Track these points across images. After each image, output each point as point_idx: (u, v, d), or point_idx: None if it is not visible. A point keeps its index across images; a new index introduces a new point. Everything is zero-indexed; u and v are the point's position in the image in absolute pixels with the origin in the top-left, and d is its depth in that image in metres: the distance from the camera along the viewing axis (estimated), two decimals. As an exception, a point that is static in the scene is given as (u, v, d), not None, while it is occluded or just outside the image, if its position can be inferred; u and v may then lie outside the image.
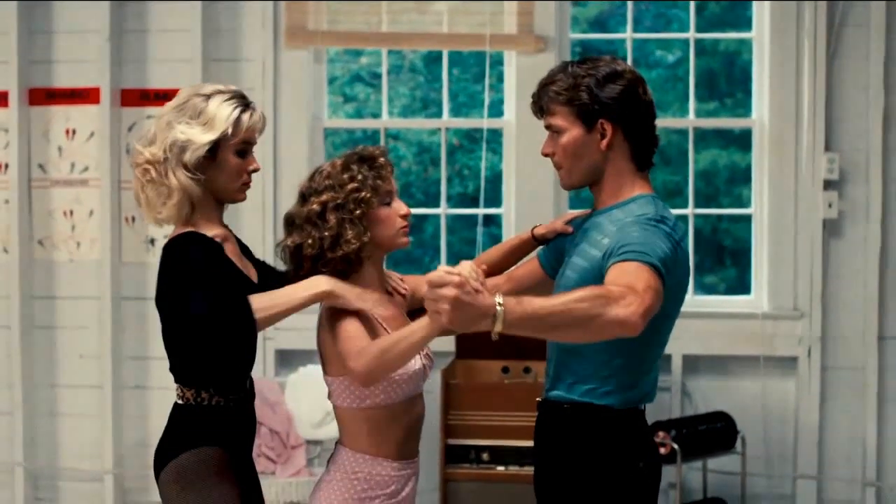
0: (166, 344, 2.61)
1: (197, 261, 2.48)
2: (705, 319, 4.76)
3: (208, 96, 2.59)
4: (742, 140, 5.95)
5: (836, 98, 4.69)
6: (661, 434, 4.24)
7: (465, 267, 2.13)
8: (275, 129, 4.84)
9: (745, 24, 5.00)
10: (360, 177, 2.51)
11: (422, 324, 2.25)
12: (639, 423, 2.51)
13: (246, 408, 2.70)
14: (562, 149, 2.51)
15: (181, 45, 4.82)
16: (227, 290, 2.49)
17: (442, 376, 4.27)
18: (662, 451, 4.21)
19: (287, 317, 2.53)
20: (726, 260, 7.27)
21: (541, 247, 2.82)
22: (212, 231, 2.60)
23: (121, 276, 4.88)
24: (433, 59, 6.66)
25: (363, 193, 2.50)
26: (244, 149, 2.63)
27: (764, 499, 4.78)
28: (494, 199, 5.04)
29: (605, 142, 2.48)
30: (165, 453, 2.59)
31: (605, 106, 2.45)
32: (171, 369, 2.64)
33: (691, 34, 4.99)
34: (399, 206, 2.57)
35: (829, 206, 4.67)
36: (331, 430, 4.44)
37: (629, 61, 4.77)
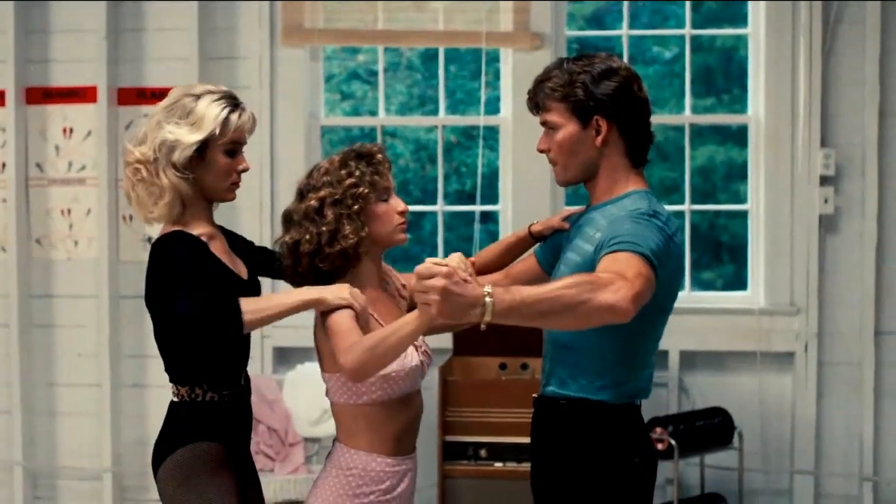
0: (158, 343, 2.64)
1: (182, 260, 2.50)
2: (702, 315, 4.77)
3: (198, 96, 2.60)
4: (739, 136, 5.96)
5: (831, 94, 4.70)
6: (658, 430, 4.25)
7: (454, 258, 2.14)
8: (271, 127, 4.84)
9: (742, 20, 5.01)
10: (357, 173, 2.52)
11: (411, 317, 2.25)
12: (634, 418, 2.52)
13: (242, 403, 2.71)
14: (557, 145, 2.52)
15: (178, 43, 4.82)
16: (213, 289, 2.50)
17: (439, 373, 4.27)
18: (660, 446, 4.22)
19: (275, 321, 2.54)
20: (723, 256, 7.27)
21: (538, 244, 2.83)
22: (199, 230, 2.61)
23: (118, 274, 4.88)
24: (430, 57, 6.66)
25: (361, 189, 2.51)
26: (233, 149, 2.64)
27: (761, 494, 4.79)
28: (491, 195, 5.05)
29: (600, 138, 2.49)
30: (162, 450, 2.61)
31: (601, 102, 2.47)
32: (166, 368, 2.66)
33: (687, 30, 4.99)
34: (397, 203, 2.58)
35: (826, 201, 4.68)
36: (329, 428, 4.45)
37: (625, 58, 4.78)
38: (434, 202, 5.24)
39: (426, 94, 6.94)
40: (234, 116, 2.62)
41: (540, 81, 2.55)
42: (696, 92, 5.24)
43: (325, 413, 4.45)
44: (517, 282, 2.75)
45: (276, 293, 2.57)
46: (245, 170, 2.68)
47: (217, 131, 2.58)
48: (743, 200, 5.11)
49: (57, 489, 4.99)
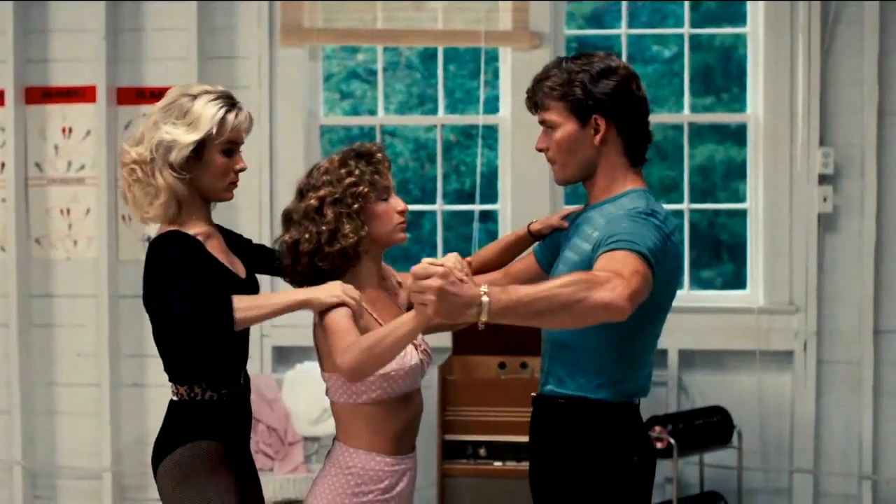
0: (157, 342, 2.64)
1: (178, 259, 2.50)
2: (701, 314, 4.77)
3: (195, 96, 2.60)
4: (738, 135, 5.97)
5: (830, 93, 4.70)
6: (657, 429, 4.25)
7: (450, 258, 2.15)
8: (271, 126, 4.85)
9: (741, 19, 5.01)
10: (357, 172, 2.52)
11: (408, 317, 2.25)
12: (633, 417, 2.52)
13: (241, 401, 2.71)
14: (556, 144, 2.52)
15: (177, 43, 4.82)
16: (209, 288, 2.50)
17: (439, 372, 4.27)
18: (659, 445, 4.22)
19: (265, 320, 2.55)
20: (723, 255, 7.28)
21: (537, 242, 2.83)
22: (196, 229, 2.62)
23: (118, 274, 4.89)
24: (429, 56, 6.66)
25: (361, 188, 2.51)
26: (230, 148, 2.64)
27: (760, 493, 4.80)
28: (491, 195, 5.05)
29: (598, 137, 2.49)
30: (161, 449, 2.62)
31: (599, 101, 2.47)
32: (165, 367, 2.66)
33: (686, 30, 5.00)
34: (396, 202, 2.58)
35: (824, 200, 4.68)
36: (328, 427, 4.45)
37: (624, 57, 4.79)
38: (433, 201, 5.24)
39: (425, 93, 6.94)
40: (231, 116, 2.62)
41: (539, 80, 2.55)
42: (695, 91, 5.25)
43: (325, 412, 4.45)
44: (516, 281, 2.75)
45: (265, 293, 2.57)
46: (242, 169, 2.68)
47: (214, 131, 2.59)
48: (742, 199, 5.12)
49: (56, 489, 5.00)
